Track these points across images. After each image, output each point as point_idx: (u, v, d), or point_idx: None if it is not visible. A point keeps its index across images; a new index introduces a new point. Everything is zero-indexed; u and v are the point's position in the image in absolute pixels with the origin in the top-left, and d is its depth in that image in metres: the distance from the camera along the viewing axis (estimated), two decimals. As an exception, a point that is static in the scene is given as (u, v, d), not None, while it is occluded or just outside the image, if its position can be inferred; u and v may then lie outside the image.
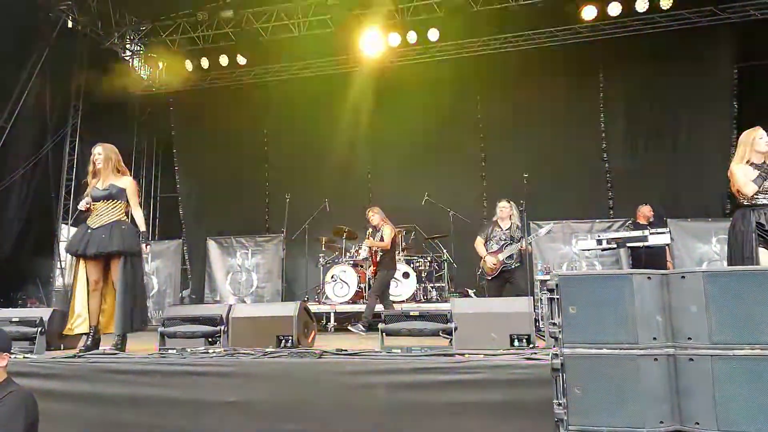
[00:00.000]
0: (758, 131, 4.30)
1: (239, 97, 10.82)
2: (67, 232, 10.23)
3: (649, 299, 2.19)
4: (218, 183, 11.15)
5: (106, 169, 4.64)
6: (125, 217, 4.69)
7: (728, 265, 4.54)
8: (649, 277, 2.22)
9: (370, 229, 7.41)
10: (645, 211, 7.90)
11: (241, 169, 11.20)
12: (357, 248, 8.56)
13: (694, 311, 2.12)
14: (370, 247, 7.51)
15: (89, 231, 4.54)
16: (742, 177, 4.23)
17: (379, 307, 7.06)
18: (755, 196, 4.25)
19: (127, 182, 4.69)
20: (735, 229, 4.35)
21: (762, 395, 2.02)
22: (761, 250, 4.18)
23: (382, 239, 7.17)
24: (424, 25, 9.37)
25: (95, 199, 4.59)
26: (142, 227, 4.71)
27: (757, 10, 8.60)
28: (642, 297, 2.18)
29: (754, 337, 2.06)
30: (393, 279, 7.59)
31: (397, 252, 7.89)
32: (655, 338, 2.17)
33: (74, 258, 4.82)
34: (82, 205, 4.57)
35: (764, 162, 4.27)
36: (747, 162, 4.27)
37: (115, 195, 4.60)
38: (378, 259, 7.23)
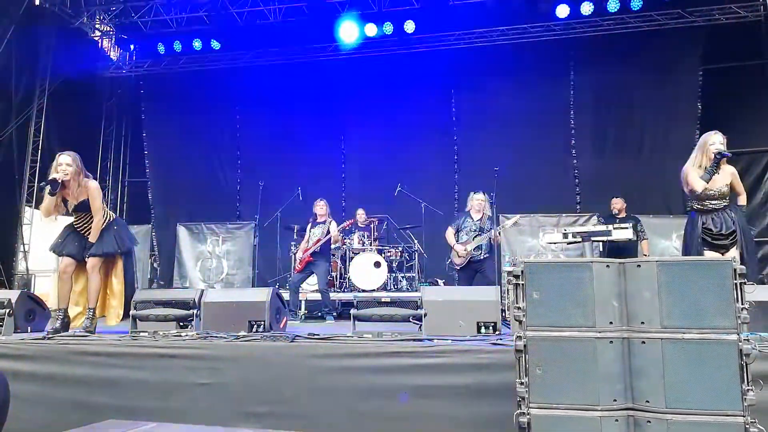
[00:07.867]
0: (712, 137, 4.44)
1: (212, 81, 10.69)
2: (30, 215, 10.00)
3: (607, 286, 2.33)
4: (189, 168, 11.03)
5: (75, 182, 4.50)
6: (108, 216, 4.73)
7: None
8: (607, 266, 2.36)
9: (310, 223, 7.43)
10: (615, 203, 7.97)
11: (213, 155, 11.12)
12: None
13: (647, 297, 2.27)
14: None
15: (84, 238, 4.63)
16: (695, 176, 4.43)
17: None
18: (705, 201, 4.47)
19: (91, 189, 4.59)
20: (686, 231, 4.70)
21: (706, 375, 2.19)
22: (707, 253, 4.42)
23: (328, 232, 7.21)
24: (401, 17, 9.44)
25: (75, 210, 4.61)
26: (92, 238, 4.59)
27: (723, 14, 8.92)
28: (600, 284, 2.32)
29: (700, 321, 2.23)
30: (364, 268, 8.04)
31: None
32: (611, 322, 2.32)
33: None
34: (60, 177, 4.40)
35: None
36: (699, 166, 4.44)
37: (88, 205, 4.60)
38: (320, 250, 7.20)
